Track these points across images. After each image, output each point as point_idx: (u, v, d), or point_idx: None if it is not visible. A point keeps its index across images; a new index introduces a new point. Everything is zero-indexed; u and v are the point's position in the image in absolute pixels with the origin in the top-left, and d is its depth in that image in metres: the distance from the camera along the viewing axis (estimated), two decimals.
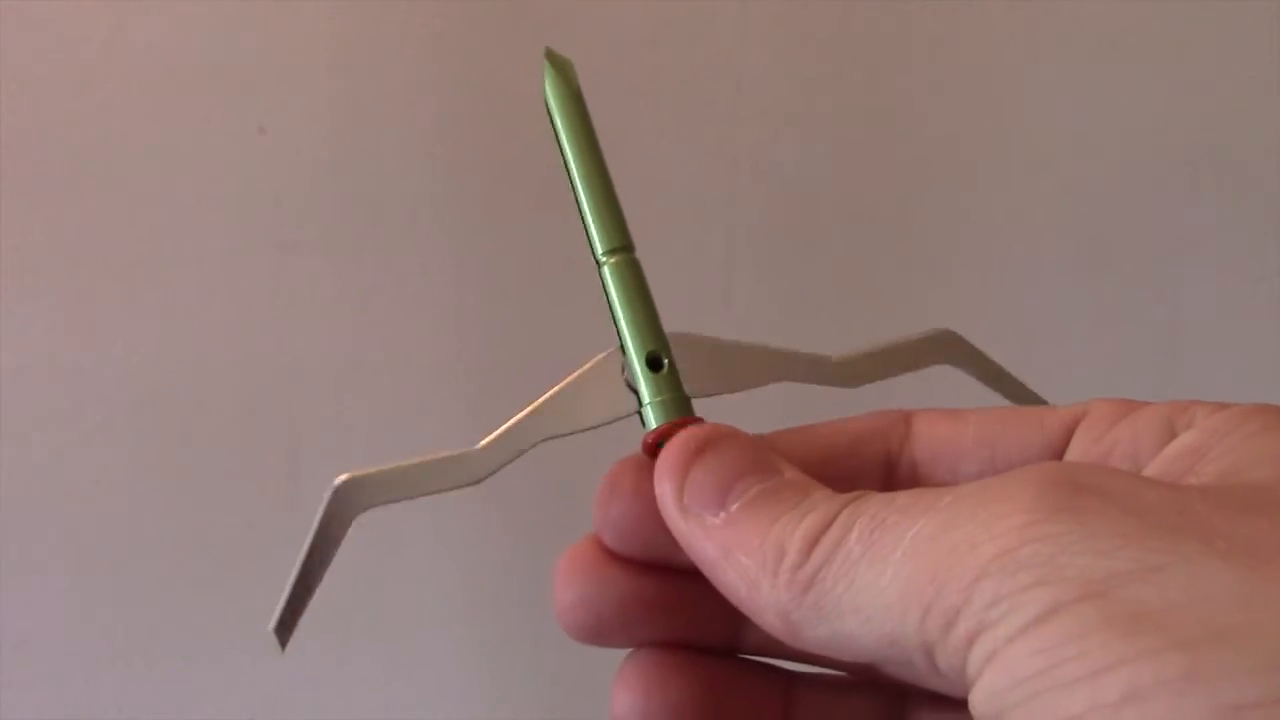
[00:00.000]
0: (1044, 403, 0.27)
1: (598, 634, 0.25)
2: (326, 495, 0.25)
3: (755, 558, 0.21)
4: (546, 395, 0.25)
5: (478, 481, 0.26)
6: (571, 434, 0.26)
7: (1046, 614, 0.16)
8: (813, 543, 0.20)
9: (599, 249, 0.26)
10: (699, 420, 0.25)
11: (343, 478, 0.25)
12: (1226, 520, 0.17)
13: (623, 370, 0.26)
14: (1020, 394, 0.27)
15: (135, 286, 0.58)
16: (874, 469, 0.25)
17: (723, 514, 0.22)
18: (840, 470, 0.25)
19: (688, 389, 0.26)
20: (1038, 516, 0.17)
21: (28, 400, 0.58)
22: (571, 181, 0.28)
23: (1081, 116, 0.64)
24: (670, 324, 0.27)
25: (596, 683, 0.69)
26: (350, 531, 0.25)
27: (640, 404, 0.25)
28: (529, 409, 0.25)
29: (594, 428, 0.26)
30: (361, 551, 0.62)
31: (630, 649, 0.25)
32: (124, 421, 0.59)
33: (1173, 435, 0.22)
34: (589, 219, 0.27)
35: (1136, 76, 0.64)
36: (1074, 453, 0.23)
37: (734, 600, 0.21)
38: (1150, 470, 0.21)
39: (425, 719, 0.63)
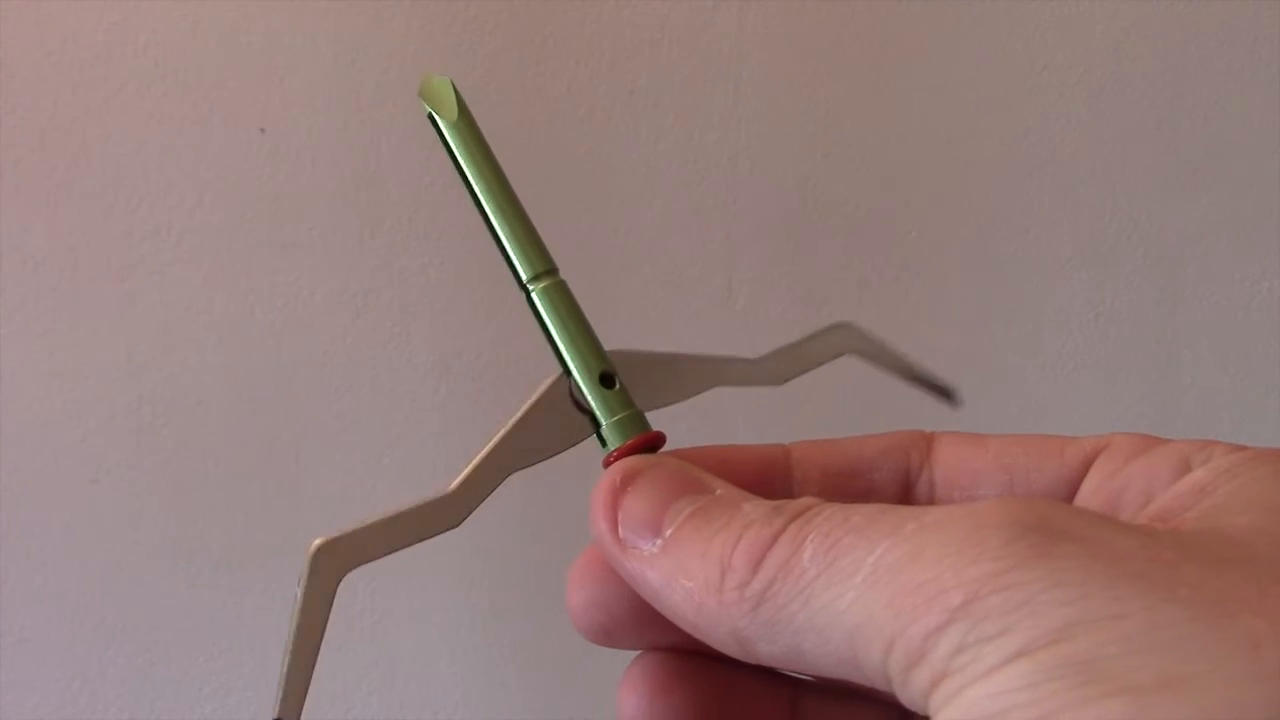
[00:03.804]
0: (944, 388, 0.27)
1: (608, 635, 0.24)
2: (305, 563, 0.23)
3: (697, 578, 0.20)
4: (502, 432, 0.25)
5: (456, 525, 0.25)
6: (534, 464, 0.25)
7: (1008, 660, 0.16)
8: (758, 558, 0.20)
9: (525, 274, 0.26)
10: (657, 435, 0.25)
11: (319, 541, 0.23)
12: (1196, 568, 0.17)
13: (570, 394, 0.25)
14: (922, 380, 0.27)
15: (135, 286, 0.58)
16: (892, 485, 0.25)
17: (659, 541, 0.21)
18: (859, 484, 0.25)
19: (638, 404, 0.25)
20: (1008, 564, 0.17)
21: (28, 400, 0.58)
22: (480, 210, 0.26)
23: (1081, 116, 0.64)
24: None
25: (597, 683, 0.69)
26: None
27: (597, 425, 0.25)
28: (488, 447, 0.25)
29: (555, 455, 0.25)
30: None
31: (639, 651, 0.25)
32: (124, 421, 0.59)
33: (1188, 471, 0.21)
34: (507, 247, 0.26)
35: (1136, 76, 0.64)
36: (1090, 485, 0.23)
37: (684, 625, 0.21)
38: (1155, 505, 0.21)
39: (425, 719, 0.63)
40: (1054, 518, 0.18)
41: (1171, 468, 0.22)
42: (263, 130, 0.58)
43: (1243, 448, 0.21)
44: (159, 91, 0.57)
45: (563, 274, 0.26)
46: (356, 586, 0.61)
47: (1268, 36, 0.64)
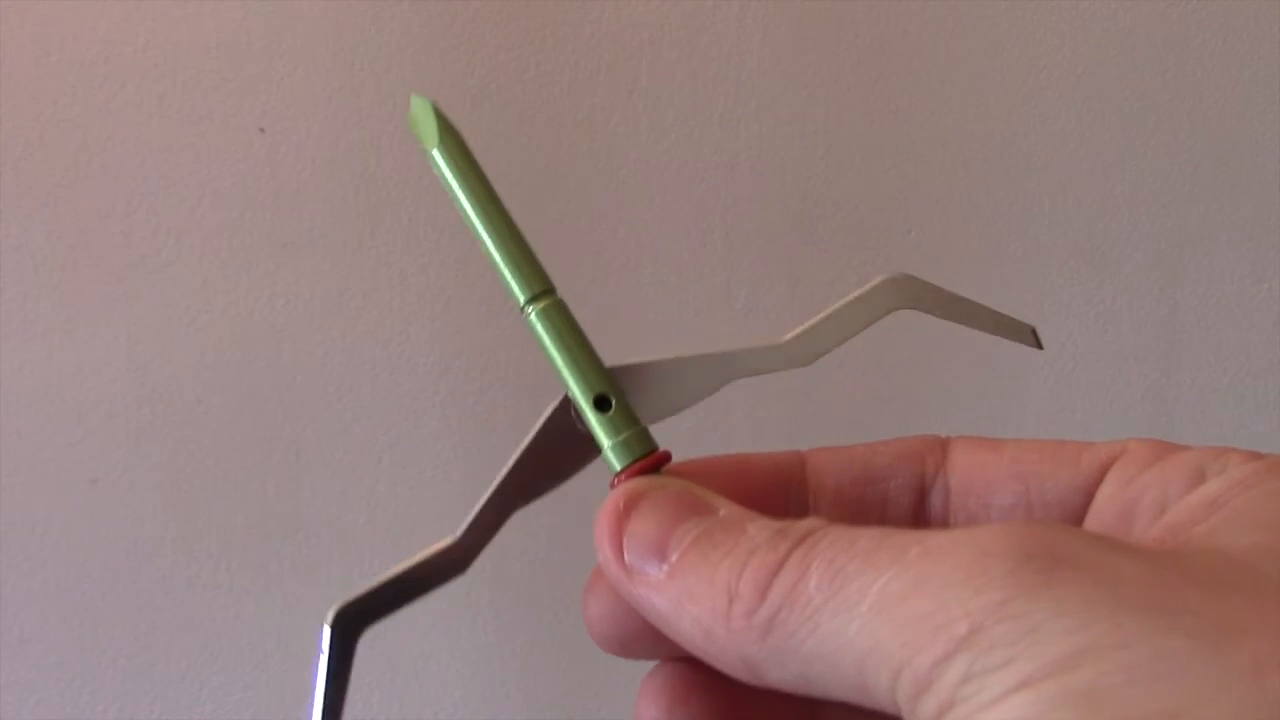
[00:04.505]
0: (1014, 323, 0.26)
1: (624, 647, 0.25)
2: (326, 628, 0.24)
3: (704, 605, 0.21)
4: (509, 465, 0.24)
5: (464, 571, 0.25)
6: (543, 495, 0.25)
7: (1012, 690, 0.17)
8: (765, 586, 0.20)
9: (520, 297, 0.25)
10: (663, 454, 0.24)
11: (337, 606, 0.24)
12: (1199, 594, 0.17)
13: (576, 415, 0.25)
14: (986, 320, 0.26)
15: (135, 286, 0.58)
16: (907, 493, 0.25)
17: (665, 566, 0.21)
18: (873, 492, 0.25)
19: (643, 417, 0.25)
20: (1012, 593, 0.17)
21: (28, 400, 0.58)
22: (474, 231, 0.26)
23: (1081, 116, 0.64)
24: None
25: (597, 683, 0.69)
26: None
27: (600, 447, 0.25)
28: (496, 484, 0.24)
29: (565, 480, 0.25)
30: (361, 551, 0.62)
31: (657, 661, 0.25)
32: (124, 421, 0.59)
33: (1203, 481, 0.21)
34: (502, 268, 0.25)
35: (1136, 76, 0.64)
36: (1105, 493, 0.23)
37: (693, 650, 0.21)
38: (1167, 518, 0.21)
39: (425, 718, 0.63)
40: (1057, 544, 0.18)
41: (1185, 477, 0.22)
42: (263, 130, 0.58)
43: (1259, 456, 0.21)
44: (159, 91, 0.57)
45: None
46: (357, 587, 0.61)
47: (1268, 36, 0.64)
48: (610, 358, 0.25)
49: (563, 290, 0.26)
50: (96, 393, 0.58)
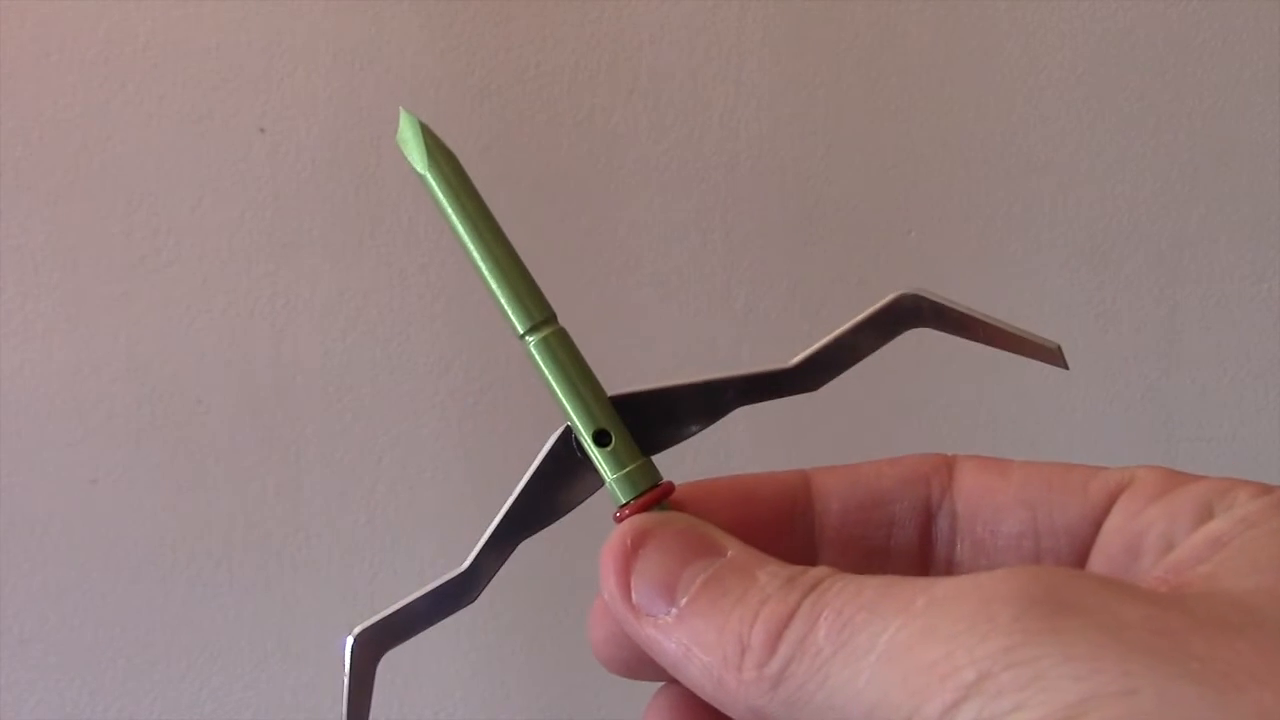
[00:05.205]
0: (1027, 337, 0.25)
1: (630, 669, 0.25)
2: (345, 652, 0.24)
3: (715, 654, 0.21)
4: (514, 495, 0.24)
5: (473, 601, 0.24)
6: (549, 525, 0.24)
7: None
8: (776, 636, 0.20)
9: (517, 328, 0.24)
10: (666, 486, 0.24)
11: (357, 630, 0.25)
12: (1204, 640, 0.17)
13: (577, 446, 0.24)
14: (1007, 339, 0.26)
15: (135, 286, 0.58)
16: (913, 517, 0.25)
17: (674, 610, 0.21)
18: (879, 515, 0.25)
19: (647, 447, 0.24)
20: (1018, 639, 0.17)
21: (28, 400, 0.58)
22: (467, 255, 0.25)
23: (1081, 116, 0.64)
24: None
25: (596, 683, 0.69)
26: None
27: (603, 479, 0.24)
28: (501, 515, 0.24)
29: (569, 511, 0.24)
30: (361, 552, 0.62)
31: (664, 682, 0.25)
32: (124, 421, 0.59)
33: (1210, 517, 0.21)
34: (498, 296, 0.25)
35: (1136, 76, 0.64)
36: (1112, 524, 0.23)
37: (702, 695, 0.21)
38: (1173, 556, 0.21)
39: (425, 718, 0.63)
40: (1061, 589, 0.18)
41: (1192, 513, 0.22)
42: (263, 130, 0.58)
43: (1268, 490, 0.21)
44: (159, 91, 0.57)
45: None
46: (358, 589, 0.61)
47: (1268, 36, 0.64)
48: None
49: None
50: (96, 393, 0.58)
